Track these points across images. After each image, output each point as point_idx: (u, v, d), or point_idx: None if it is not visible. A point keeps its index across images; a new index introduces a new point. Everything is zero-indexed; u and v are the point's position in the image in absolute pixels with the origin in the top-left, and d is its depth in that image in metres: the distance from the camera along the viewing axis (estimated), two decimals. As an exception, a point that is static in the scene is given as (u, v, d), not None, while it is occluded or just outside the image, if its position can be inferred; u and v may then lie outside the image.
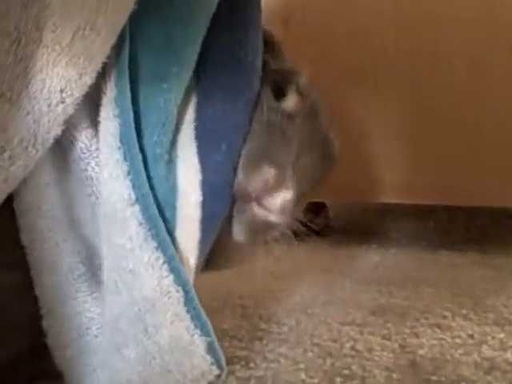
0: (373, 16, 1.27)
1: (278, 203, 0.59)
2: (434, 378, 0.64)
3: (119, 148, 0.53)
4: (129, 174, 0.52)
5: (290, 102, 0.67)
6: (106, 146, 0.54)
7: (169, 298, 0.51)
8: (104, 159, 0.54)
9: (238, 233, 0.60)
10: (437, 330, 0.78)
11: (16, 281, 0.57)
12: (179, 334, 0.51)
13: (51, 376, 0.57)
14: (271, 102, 0.64)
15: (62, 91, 0.52)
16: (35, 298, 0.57)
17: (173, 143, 0.58)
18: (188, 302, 0.51)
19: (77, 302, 0.55)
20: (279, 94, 0.66)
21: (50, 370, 0.58)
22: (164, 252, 0.51)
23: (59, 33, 0.51)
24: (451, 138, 1.24)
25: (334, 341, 0.74)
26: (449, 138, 1.24)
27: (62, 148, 0.56)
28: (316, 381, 0.63)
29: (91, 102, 0.57)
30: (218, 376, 0.53)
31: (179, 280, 0.51)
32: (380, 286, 1.00)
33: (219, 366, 0.52)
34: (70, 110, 0.52)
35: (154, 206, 0.52)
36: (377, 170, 1.32)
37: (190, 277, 0.55)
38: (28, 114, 0.51)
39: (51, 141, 0.52)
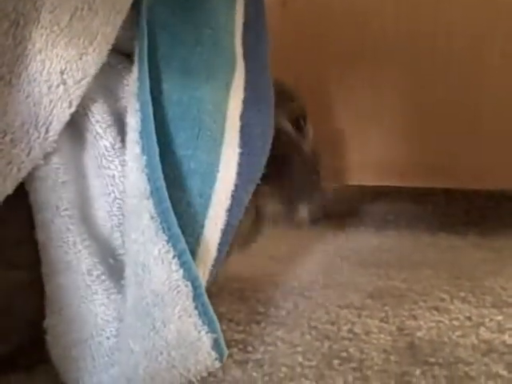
0: (371, -3, 1.26)
1: None
2: (431, 359, 0.64)
3: (138, 142, 0.53)
4: (146, 167, 0.52)
5: None
6: (129, 141, 0.54)
7: (177, 292, 0.50)
8: (128, 154, 0.54)
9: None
10: (435, 312, 0.78)
11: (20, 279, 0.57)
12: (186, 330, 0.51)
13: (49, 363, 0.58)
14: None
15: (62, 72, 0.52)
16: (38, 296, 0.56)
17: (218, 133, 0.58)
18: (197, 297, 0.51)
19: (93, 303, 0.54)
20: None
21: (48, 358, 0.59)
22: (174, 246, 0.51)
23: (57, 13, 0.51)
24: (450, 120, 1.23)
25: (332, 324, 0.74)
26: (448, 120, 1.24)
27: (84, 145, 0.56)
28: (314, 363, 0.63)
29: (115, 98, 0.57)
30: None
31: (189, 275, 0.51)
32: (378, 269, 1.00)
33: (221, 360, 0.52)
34: (73, 93, 0.52)
35: (168, 200, 0.52)
36: (375, 152, 1.31)
37: (209, 263, 0.55)
38: (28, 96, 0.51)
39: (55, 124, 0.52)
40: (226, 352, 0.53)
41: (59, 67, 0.51)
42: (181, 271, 0.51)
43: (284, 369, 0.61)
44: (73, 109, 0.53)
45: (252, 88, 0.64)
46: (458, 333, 0.71)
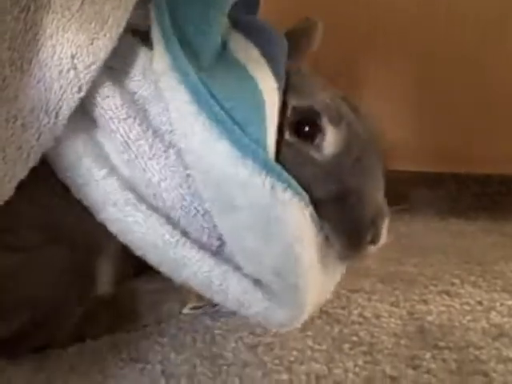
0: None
1: None
2: (441, 343, 0.64)
3: (199, 113, 0.53)
4: (221, 135, 0.53)
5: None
6: (179, 116, 0.55)
7: (310, 222, 0.56)
8: (186, 127, 0.54)
9: None
10: (445, 296, 0.78)
11: (18, 262, 0.57)
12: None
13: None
14: None
15: (73, 57, 0.52)
16: (36, 278, 0.58)
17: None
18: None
19: (190, 265, 0.57)
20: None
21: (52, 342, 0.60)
22: (292, 188, 0.54)
23: None
24: (462, 105, 1.23)
25: (343, 308, 0.74)
26: (460, 105, 1.23)
27: (106, 141, 0.57)
28: (324, 347, 0.63)
29: (130, 91, 0.57)
30: None
31: (306, 200, 0.55)
32: (389, 254, 1.00)
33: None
34: (83, 77, 0.52)
35: (262, 151, 0.54)
36: (386, 138, 1.31)
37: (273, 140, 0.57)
38: (39, 81, 0.51)
39: (65, 109, 0.52)
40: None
41: (70, 52, 0.52)
42: (304, 205, 0.55)
43: (294, 352, 0.62)
44: (82, 93, 0.53)
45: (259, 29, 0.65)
46: (469, 317, 0.71)
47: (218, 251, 0.57)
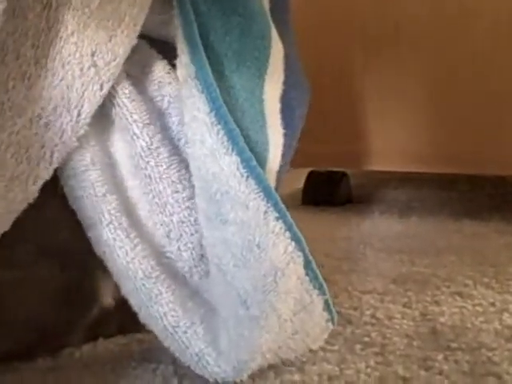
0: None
1: None
2: (454, 345, 0.64)
3: (215, 124, 0.53)
4: (233, 150, 0.53)
5: None
6: (195, 124, 0.54)
7: (293, 263, 0.53)
8: (198, 135, 0.54)
9: None
10: (458, 298, 0.78)
11: (15, 279, 0.57)
12: (302, 296, 0.54)
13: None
14: None
15: (93, 54, 0.52)
16: (32, 296, 0.58)
17: (259, 116, 0.59)
18: (307, 264, 0.54)
19: (160, 304, 0.55)
20: None
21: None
22: (284, 220, 0.53)
23: None
24: (475, 107, 1.23)
25: (355, 309, 0.75)
26: (473, 106, 1.23)
27: (120, 145, 0.57)
28: (336, 348, 0.63)
29: (151, 99, 0.57)
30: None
31: (300, 245, 0.54)
32: (402, 255, 1.00)
33: (333, 322, 0.58)
34: (104, 74, 0.52)
35: (265, 177, 0.54)
36: (400, 139, 1.31)
37: (272, 182, 0.58)
38: (62, 79, 0.51)
39: (87, 107, 0.52)
40: (336, 314, 0.57)
41: (90, 49, 0.52)
42: (293, 243, 0.53)
43: (306, 353, 0.62)
44: (104, 91, 0.53)
45: (291, 69, 0.65)
46: (481, 318, 0.71)
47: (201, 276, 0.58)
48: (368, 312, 0.73)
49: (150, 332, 0.57)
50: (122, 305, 0.59)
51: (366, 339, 0.66)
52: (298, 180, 1.52)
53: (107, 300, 0.61)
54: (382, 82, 1.29)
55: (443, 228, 1.25)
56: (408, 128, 1.30)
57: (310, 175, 1.52)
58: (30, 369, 0.59)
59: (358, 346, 0.64)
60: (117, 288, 0.57)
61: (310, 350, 0.61)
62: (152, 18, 0.56)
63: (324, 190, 1.51)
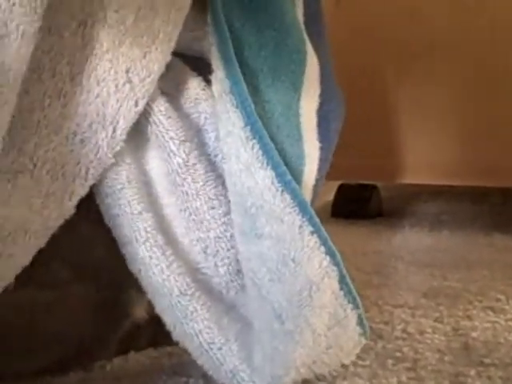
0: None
1: None
2: (487, 360, 0.63)
3: (250, 138, 0.54)
4: (268, 164, 0.53)
5: None
6: (230, 138, 0.55)
7: (328, 278, 0.54)
8: (234, 149, 0.54)
9: None
10: (490, 312, 0.77)
11: (51, 297, 0.58)
12: (336, 310, 0.55)
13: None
14: None
15: (127, 71, 0.52)
16: (73, 314, 0.59)
17: (294, 131, 0.60)
18: (341, 279, 0.54)
19: (195, 321, 0.55)
20: None
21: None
22: (319, 235, 0.54)
23: (123, 13, 0.52)
24: (507, 119, 1.22)
25: (386, 323, 0.74)
26: (504, 119, 1.22)
27: (156, 162, 0.57)
28: (367, 363, 0.63)
29: (187, 116, 0.58)
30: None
31: (334, 260, 0.54)
32: (433, 269, 1.00)
33: (366, 336, 0.58)
34: (139, 91, 0.53)
35: (300, 191, 0.55)
36: (430, 152, 1.30)
37: (308, 196, 0.58)
38: (97, 96, 0.52)
39: (122, 123, 0.53)
40: (368, 328, 0.57)
41: (125, 66, 0.52)
42: (328, 258, 0.54)
43: (338, 368, 0.61)
44: (139, 107, 0.53)
45: (326, 83, 0.65)
46: (514, 334, 0.71)
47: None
48: (399, 327, 0.73)
49: (179, 345, 0.57)
50: (154, 318, 0.60)
51: (398, 354, 0.65)
52: (328, 193, 1.52)
53: (140, 314, 0.62)
54: (414, 97, 1.28)
55: (474, 242, 1.24)
56: (438, 141, 1.29)
57: (341, 188, 1.52)
58: (62, 382, 0.59)
59: (390, 361, 0.63)
60: (149, 302, 0.57)
61: (342, 365, 0.61)
62: (185, 34, 0.56)
63: (354, 203, 1.51)
